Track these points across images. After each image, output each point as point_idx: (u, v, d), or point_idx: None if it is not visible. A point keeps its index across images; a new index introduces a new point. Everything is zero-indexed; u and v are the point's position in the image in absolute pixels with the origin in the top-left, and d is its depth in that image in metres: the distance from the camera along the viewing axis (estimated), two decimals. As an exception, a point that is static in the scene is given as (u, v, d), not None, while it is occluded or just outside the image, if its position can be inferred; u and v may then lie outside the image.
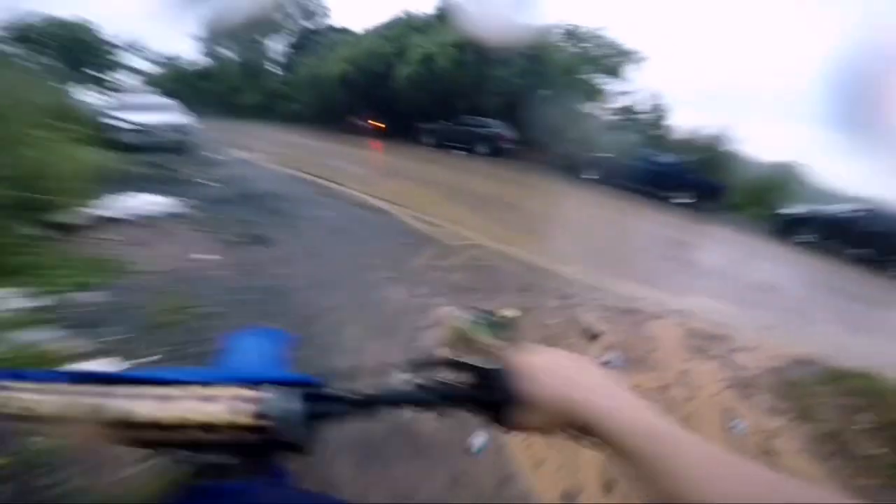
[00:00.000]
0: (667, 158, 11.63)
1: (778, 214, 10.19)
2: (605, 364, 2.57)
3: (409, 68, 16.37)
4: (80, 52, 23.04)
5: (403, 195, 6.86)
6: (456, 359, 0.48)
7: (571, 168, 12.19)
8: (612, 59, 15.45)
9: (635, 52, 15.57)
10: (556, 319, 3.21)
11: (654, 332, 3.27)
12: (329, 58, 20.46)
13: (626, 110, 15.15)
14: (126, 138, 7.94)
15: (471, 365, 0.47)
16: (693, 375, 2.75)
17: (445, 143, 14.82)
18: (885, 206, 9.17)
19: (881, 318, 5.42)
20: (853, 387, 2.81)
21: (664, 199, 10.78)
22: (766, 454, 2.15)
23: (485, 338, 0.53)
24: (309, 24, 30.72)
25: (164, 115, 8.98)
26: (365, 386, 0.50)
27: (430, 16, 19.20)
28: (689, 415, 2.35)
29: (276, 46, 32.38)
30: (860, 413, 2.55)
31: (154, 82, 33.91)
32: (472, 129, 14.33)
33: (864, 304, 5.78)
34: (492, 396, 0.44)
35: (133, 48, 25.94)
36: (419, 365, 0.49)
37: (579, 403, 0.39)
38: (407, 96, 16.60)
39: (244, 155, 9.73)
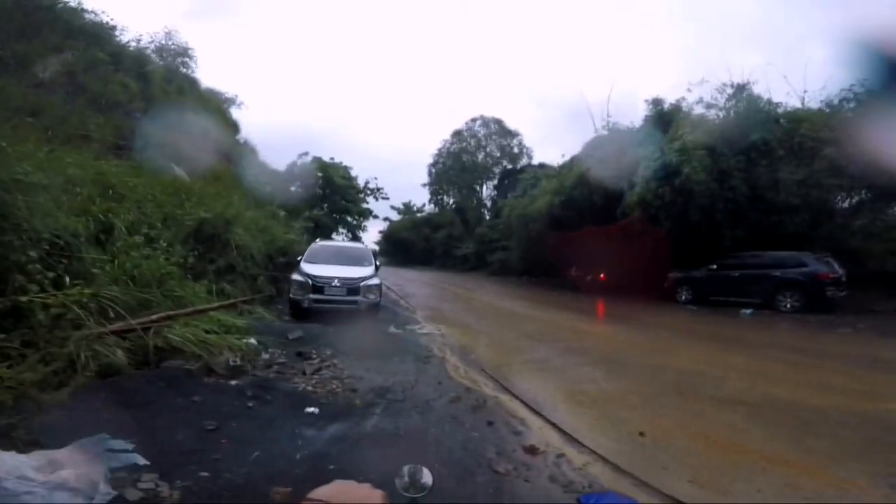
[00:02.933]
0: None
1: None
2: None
3: (638, 189, 11.99)
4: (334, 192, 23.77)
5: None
6: None
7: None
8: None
9: None
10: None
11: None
12: (534, 194, 18.41)
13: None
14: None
15: None
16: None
17: (716, 296, 10.00)
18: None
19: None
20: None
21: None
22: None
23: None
24: (509, 165, 32.12)
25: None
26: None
27: (641, 126, 14.71)
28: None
29: (485, 191, 33.91)
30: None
31: (393, 228, 37.84)
32: (769, 270, 9.40)
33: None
34: None
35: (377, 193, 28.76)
36: None
37: None
38: (635, 229, 12.28)
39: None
